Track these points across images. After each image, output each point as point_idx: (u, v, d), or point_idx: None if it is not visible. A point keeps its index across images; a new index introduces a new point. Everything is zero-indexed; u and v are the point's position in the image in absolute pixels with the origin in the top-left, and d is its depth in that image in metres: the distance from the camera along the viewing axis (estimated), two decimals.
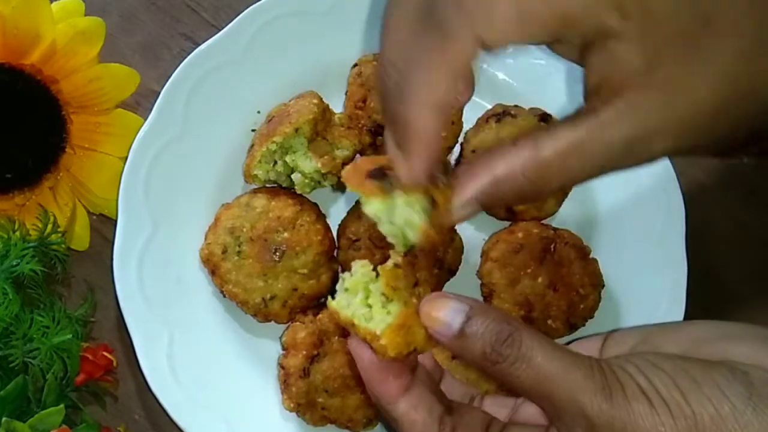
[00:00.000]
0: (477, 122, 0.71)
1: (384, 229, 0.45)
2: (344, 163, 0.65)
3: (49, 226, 0.65)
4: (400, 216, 0.44)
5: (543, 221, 0.70)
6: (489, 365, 0.42)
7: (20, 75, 0.66)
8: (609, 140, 0.41)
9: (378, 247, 0.65)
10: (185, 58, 0.69)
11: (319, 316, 0.65)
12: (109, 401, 0.67)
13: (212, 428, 0.63)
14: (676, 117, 0.41)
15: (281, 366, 0.64)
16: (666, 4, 0.39)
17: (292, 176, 0.66)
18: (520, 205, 0.69)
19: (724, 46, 0.40)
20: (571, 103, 0.72)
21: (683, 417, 0.39)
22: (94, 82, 0.68)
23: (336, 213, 0.70)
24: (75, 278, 0.71)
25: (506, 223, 0.70)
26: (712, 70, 0.40)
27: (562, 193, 0.70)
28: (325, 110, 0.67)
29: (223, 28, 0.70)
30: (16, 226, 0.65)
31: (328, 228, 0.68)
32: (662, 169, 0.70)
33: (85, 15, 0.69)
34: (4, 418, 0.57)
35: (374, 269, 0.45)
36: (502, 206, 0.69)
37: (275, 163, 0.65)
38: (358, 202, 0.68)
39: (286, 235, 0.65)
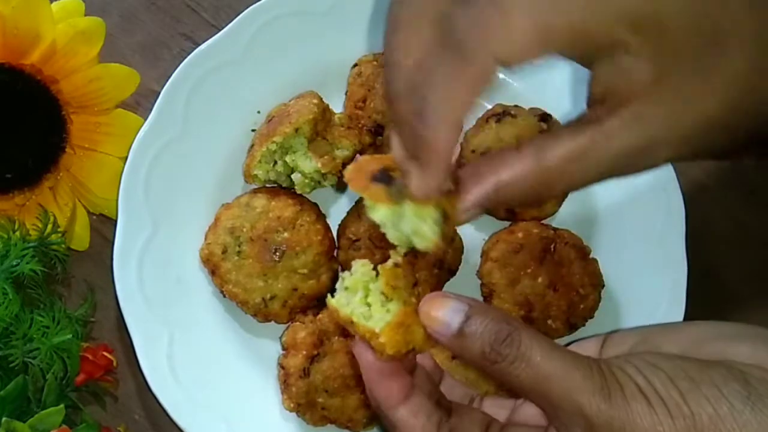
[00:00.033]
0: (477, 122, 0.71)
1: (389, 234, 0.45)
2: (344, 163, 0.65)
3: (49, 226, 0.65)
4: (408, 225, 0.44)
5: (543, 221, 0.70)
6: (488, 365, 0.43)
7: (20, 75, 0.66)
8: (612, 149, 0.42)
9: (378, 247, 0.65)
10: (185, 58, 0.69)
11: (319, 316, 0.65)
12: (109, 401, 0.67)
13: (212, 428, 0.63)
14: (682, 128, 0.41)
15: (281, 366, 0.64)
16: (680, 20, 0.40)
17: (292, 176, 0.66)
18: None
19: (733, 62, 0.40)
20: (571, 103, 0.73)
21: (682, 417, 0.39)
22: (94, 82, 0.68)
23: (336, 213, 0.70)
24: (75, 278, 0.71)
25: (506, 223, 0.70)
26: (720, 83, 0.41)
27: (562, 194, 0.70)
28: (325, 110, 0.67)
29: (223, 28, 0.70)
30: (16, 226, 0.65)
31: (328, 228, 0.68)
32: (662, 169, 0.70)
33: (85, 15, 0.69)
34: (4, 418, 0.57)
35: (374, 268, 0.45)
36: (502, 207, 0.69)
37: (275, 163, 0.65)
38: (358, 202, 0.68)
39: (286, 235, 0.65)
